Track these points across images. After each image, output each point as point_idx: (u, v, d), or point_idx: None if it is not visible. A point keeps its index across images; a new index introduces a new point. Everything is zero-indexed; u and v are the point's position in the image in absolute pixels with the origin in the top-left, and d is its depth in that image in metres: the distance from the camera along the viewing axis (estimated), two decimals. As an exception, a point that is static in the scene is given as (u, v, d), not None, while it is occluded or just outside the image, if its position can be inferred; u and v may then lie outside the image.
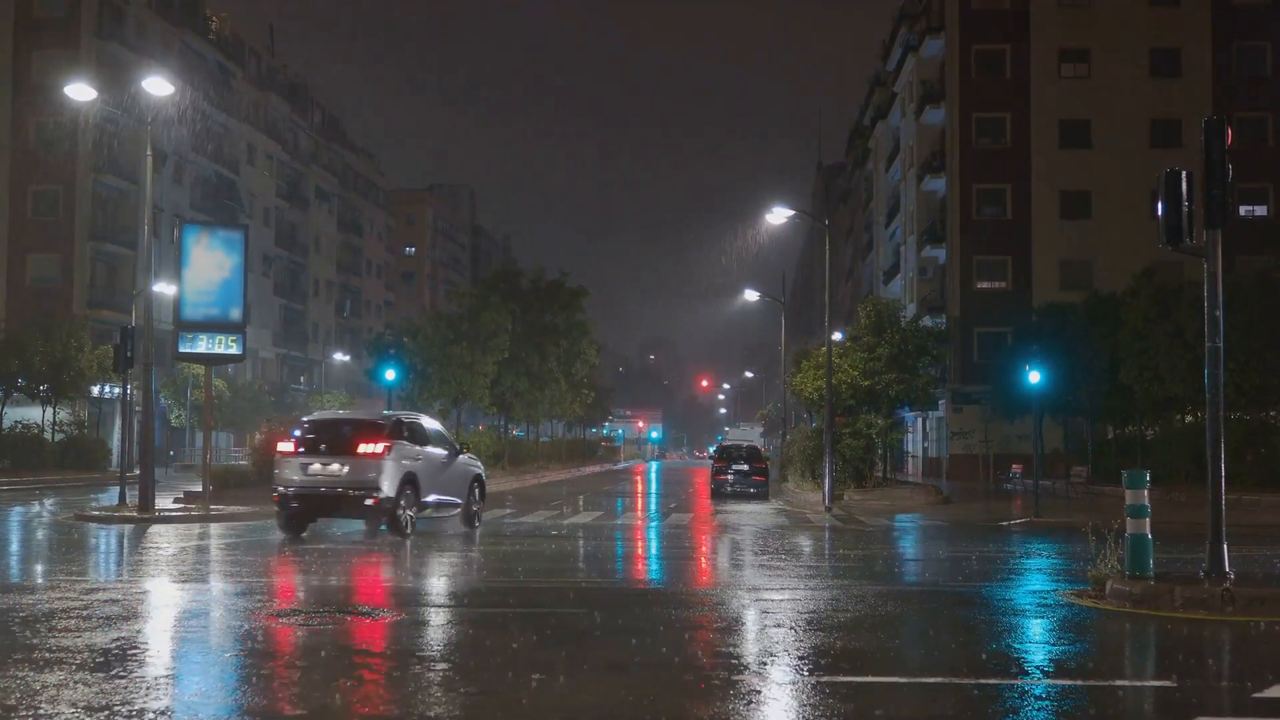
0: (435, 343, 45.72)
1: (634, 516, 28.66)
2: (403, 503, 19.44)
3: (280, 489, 19.42)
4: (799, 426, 55.12)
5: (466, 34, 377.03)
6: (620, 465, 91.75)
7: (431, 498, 20.49)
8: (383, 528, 20.01)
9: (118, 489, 28.00)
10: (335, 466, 19.18)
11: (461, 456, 22.24)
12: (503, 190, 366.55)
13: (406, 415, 22.13)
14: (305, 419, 21.73)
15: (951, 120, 58.90)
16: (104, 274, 63.76)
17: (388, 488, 19.10)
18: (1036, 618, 11.94)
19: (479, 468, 23.15)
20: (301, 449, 19.50)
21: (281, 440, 20.33)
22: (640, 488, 48.31)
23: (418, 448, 20.41)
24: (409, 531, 19.56)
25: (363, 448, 19.16)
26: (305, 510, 19.64)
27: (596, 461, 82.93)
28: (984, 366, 52.54)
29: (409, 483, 19.59)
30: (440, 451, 21.30)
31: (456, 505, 21.68)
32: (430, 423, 22.48)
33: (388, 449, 19.31)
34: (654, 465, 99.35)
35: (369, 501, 19.05)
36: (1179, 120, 55.03)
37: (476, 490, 22.47)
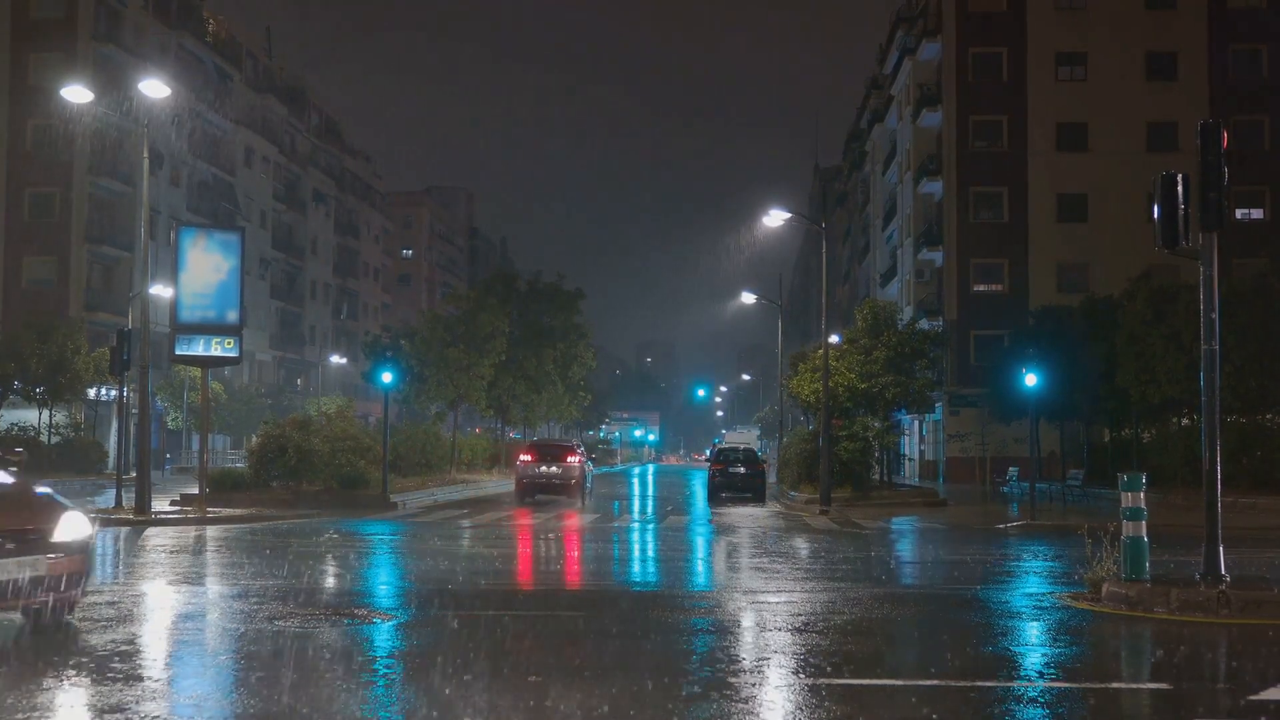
0: (432, 345, 45.75)
1: (632, 519, 28.69)
2: (583, 487, 34.32)
3: (522, 479, 34.01)
4: (796, 429, 55.00)
5: (465, 36, 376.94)
6: (617, 468, 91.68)
7: (588, 485, 35.86)
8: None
9: (114, 491, 27.96)
10: (554, 469, 33.91)
11: (590, 462, 38.90)
12: (501, 192, 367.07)
13: (580, 441, 46.08)
14: (530, 443, 40.03)
15: (948, 123, 58.94)
16: (100, 276, 63.67)
17: (579, 478, 34.08)
18: (1033, 620, 11.96)
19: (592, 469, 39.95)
20: (534, 458, 34.19)
21: (522, 453, 35.63)
22: (637, 490, 48.28)
23: (585, 456, 36.48)
24: (584, 502, 33.39)
25: (569, 459, 34.23)
26: (533, 488, 33.80)
27: (594, 464, 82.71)
28: (981, 369, 52.52)
29: (584, 476, 34.80)
30: (589, 458, 37.82)
31: (588, 489, 35.75)
32: (577, 441, 42.23)
33: (580, 459, 34.80)
34: (651, 468, 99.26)
35: (571, 484, 33.76)
36: (1175, 123, 55.05)
37: (591, 481, 38.28)
